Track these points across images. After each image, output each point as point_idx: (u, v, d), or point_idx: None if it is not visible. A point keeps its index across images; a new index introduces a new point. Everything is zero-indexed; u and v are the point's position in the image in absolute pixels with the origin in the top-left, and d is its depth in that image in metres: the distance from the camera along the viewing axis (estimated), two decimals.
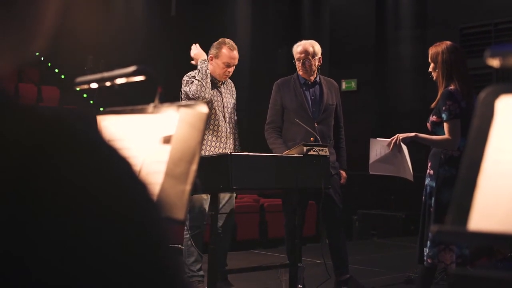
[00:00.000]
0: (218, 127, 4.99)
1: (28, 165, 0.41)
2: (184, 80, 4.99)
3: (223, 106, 5.03)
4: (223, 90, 5.09)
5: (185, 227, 4.91)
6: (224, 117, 5.02)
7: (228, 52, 5.01)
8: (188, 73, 5.02)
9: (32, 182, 0.41)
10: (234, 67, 5.07)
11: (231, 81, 5.25)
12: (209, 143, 4.96)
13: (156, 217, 0.47)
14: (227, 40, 5.12)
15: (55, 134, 0.44)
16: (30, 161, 0.42)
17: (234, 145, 5.13)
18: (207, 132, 4.95)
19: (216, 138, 4.99)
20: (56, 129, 0.44)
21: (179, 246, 4.87)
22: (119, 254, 0.43)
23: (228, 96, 5.12)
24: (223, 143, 5.00)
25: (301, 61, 5.11)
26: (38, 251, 0.40)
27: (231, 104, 5.14)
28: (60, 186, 0.42)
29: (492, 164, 1.23)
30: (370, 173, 4.51)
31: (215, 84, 5.05)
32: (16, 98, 0.46)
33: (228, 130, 5.05)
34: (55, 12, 0.55)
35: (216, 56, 5.02)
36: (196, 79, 4.84)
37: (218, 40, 5.19)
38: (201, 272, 4.86)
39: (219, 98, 5.03)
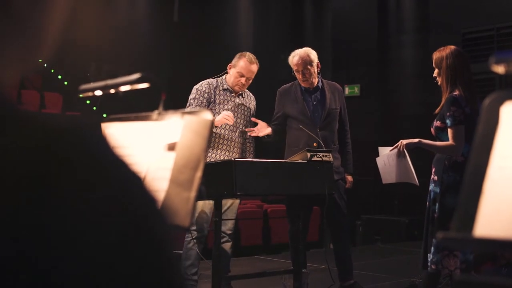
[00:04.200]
0: (224, 136, 5.01)
1: (34, 177, 0.42)
2: (192, 92, 5.07)
3: (235, 117, 5.03)
4: (237, 100, 5.09)
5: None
6: (231, 125, 5.02)
7: (245, 63, 5.03)
8: (197, 86, 5.09)
9: (37, 194, 0.41)
10: (249, 81, 5.08)
11: (251, 94, 5.28)
12: (215, 151, 4.99)
13: (162, 225, 0.47)
14: (249, 53, 5.16)
15: (62, 146, 0.44)
16: (35, 173, 0.42)
17: (242, 156, 5.13)
18: (215, 140, 4.98)
19: (222, 148, 5.01)
20: (63, 140, 0.44)
21: (179, 251, 4.87)
22: (122, 261, 0.43)
23: (242, 107, 5.13)
24: (230, 152, 5.03)
25: (300, 72, 5.11)
26: (46, 265, 0.40)
27: (244, 116, 5.14)
28: (66, 198, 0.42)
29: (497, 171, 1.23)
30: (384, 183, 4.51)
31: (231, 93, 5.08)
32: (21, 107, 0.46)
33: (234, 138, 5.06)
34: (59, 21, 0.55)
35: (234, 66, 5.07)
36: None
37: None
38: (196, 277, 4.86)
39: (231, 107, 5.04)
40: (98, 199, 0.43)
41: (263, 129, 5.01)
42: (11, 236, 0.40)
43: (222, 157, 4.96)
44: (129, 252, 0.44)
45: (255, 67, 5.07)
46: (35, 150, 0.43)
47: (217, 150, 4.99)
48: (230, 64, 5.11)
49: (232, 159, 3.89)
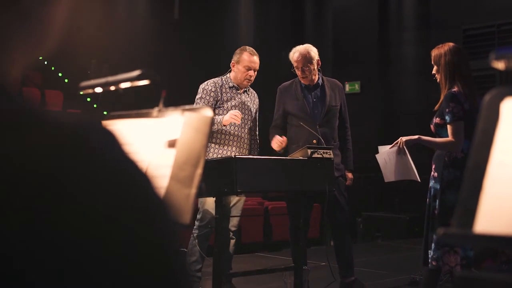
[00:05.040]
0: (231, 132, 5.05)
1: (47, 182, 0.42)
2: (199, 92, 5.11)
3: (243, 114, 5.08)
4: (244, 97, 5.14)
5: (195, 226, 4.96)
6: (239, 123, 5.06)
7: (248, 57, 5.10)
8: (203, 85, 5.11)
9: (51, 200, 0.42)
10: (255, 73, 5.14)
11: (254, 91, 5.33)
12: (226, 148, 5.03)
13: (168, 222, 0.48)
14: (247, 46, 5.25)
15: (77, 150, 0.44)
16: (49, 178, 0.42)
17: (250, 153, 5.19)
18: (219, 136, 5.02)
19: (233, 144, 5.05)
20: (78, 145, 0.44)
21: (184, 249, 4.89)
22: (128, 258, 0.43)
23: (248, 105, 5.17)
24: (240, 149, 5.07)
25: (300, 69, 5.11)
26: (55, 273, 0.41)
27: (250, 112, 5.18)
28: (75, 196, 0.42)
29: (498, 167, 1.23)
30: (386, 181, 4.49)
31: (237, 91, 5.11)
32: (28, 104, 0.46)
33: (242, 135, 5.10)
34: (64, 18, 0.55)
35: (237, 62, 5.12)
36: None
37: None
38: (199, 274, 4.91)
39: (238, 104, 5.08)
40: (105, 196, 0.44)
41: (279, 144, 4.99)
42: (21, 238, 0.40)
43: (233, 154, 4.99)
44: (134, 248, 0.44)
45: (257, 58, 5.16)
46: (46, 149, 0.43)
47: (228, 147, 5.03)
48: (232, 61, 5.15)
49: (233, 156, 3.90)
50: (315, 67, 5.15)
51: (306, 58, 5.09)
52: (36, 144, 0.43)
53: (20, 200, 0.41)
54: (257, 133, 5.31)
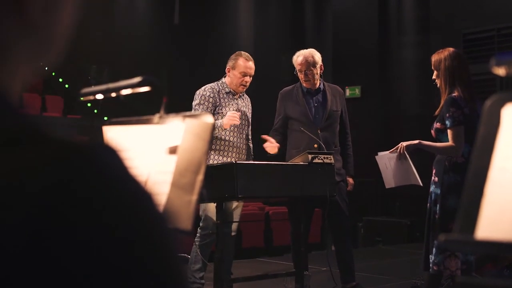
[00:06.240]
0: (230, 139, 5.05)
1: (53, 201, 0.42)
2: (196, 98, 5.09)
3: (240, 119, 5.09)
4: (240, 102, 5.15)
5: (197, 234, 4.95)
6: (238, 129, 5.07)
7: (244, 62, 5.09)
8: (200, 91, 5.10)
9: (56, 217, 0.42)
10: (251, 78, 5.13)
11: (246, 96, 5.33)
12: (219, 153, 5.03)
13: (168, 234, 0.48)
14: (243, 52, 5.24)
15: (82, 169, 0.44)
16: (55, 197, 0.42)
17: (247, 158, 5.19)
18: (218, 143, 5.01)
19: (232, 155, 5.05)
20: (83, 164, 0.45)
21: (185, 255, 4.89)
22: (127, 266, 0.43)
23: (244, 110, 5.18)
24: (236, 153, 5.07)
25: (303, 72, 5.13)
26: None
27: (246, 117, 5.19)
28: (83, 222, 0.43)
29: (499, 172, 1.23)
30: (387, 187, 4.48)
31: (233, 96, 5.11)
32: (42, 127, 0.46)
33: (241, 142, 5.11)
34: (66, 26, 0.55)
35: (233, 67, 5.11)
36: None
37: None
38: (203, 281, 4.91)
39: (235, 110, 5.08)
40: (106, 211, 0.44)
41: (273, 148, 4.97)
42: (23, 258, 0.41)
43: (233, 160, 4.99)
44: (134, 257, 0.44)
45: (253, 64, 5.16)
46: (47, 167, 0.43)
47: (227, 153, 5.02)
48: (228, 67, 5.15)
49: (234, 161, 3.90)
50: (318, 72, 5.17)
51: (309, 62, 5.11)
52: (37, 162, 0.43)
53: (21, 218, 0.41)
54: (249, 137, 5.30)
